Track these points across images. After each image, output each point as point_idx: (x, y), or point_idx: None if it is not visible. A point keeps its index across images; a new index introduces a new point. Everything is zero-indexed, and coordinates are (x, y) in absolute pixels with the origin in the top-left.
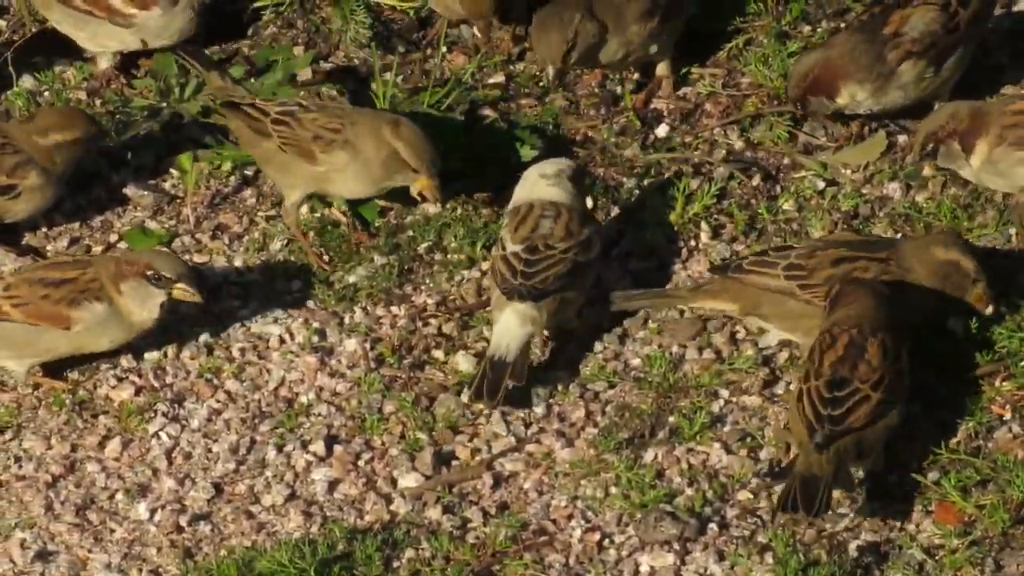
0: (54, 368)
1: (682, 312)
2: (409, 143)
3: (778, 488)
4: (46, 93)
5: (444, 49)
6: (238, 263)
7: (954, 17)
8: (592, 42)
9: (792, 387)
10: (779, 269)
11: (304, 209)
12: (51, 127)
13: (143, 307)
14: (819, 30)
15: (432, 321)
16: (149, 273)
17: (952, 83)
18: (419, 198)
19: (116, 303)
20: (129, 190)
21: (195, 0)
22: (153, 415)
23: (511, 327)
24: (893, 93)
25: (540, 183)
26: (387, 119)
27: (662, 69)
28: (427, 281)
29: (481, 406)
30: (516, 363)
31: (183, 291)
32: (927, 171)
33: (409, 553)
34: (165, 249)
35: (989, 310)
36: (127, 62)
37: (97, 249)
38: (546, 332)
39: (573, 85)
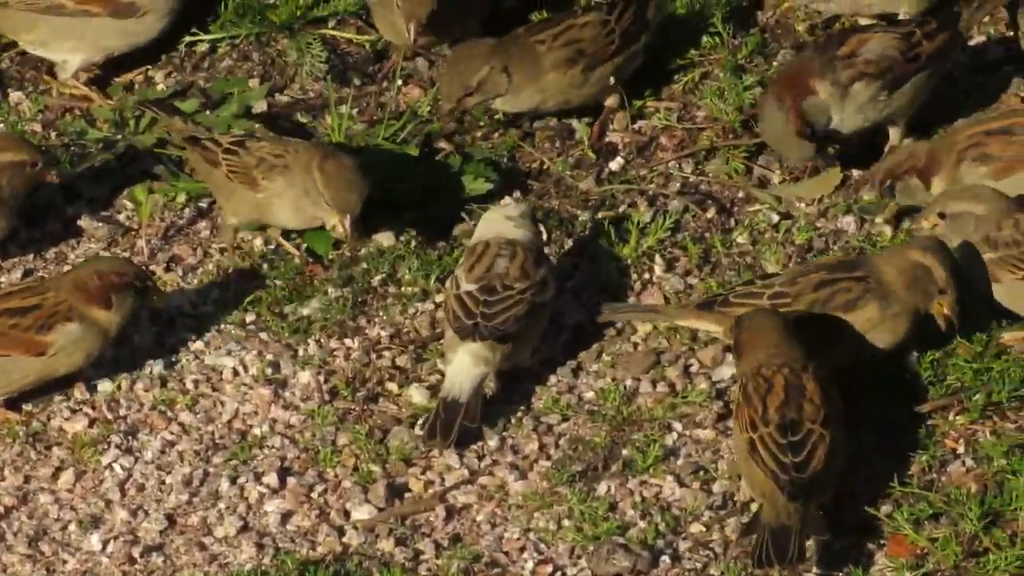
0: (13, 400)
1: (636, 345)
2: (327, 177)
3: (748, 538)
4: (0, 125)
5: (399, 82)
6: (192, 295)
7: (915, 47)
8: (499, 92)
9: (735, 437)
10: (765, 299)
11: (259, 241)
12: None
13: (122, 315)
14: (775, 64)
15: (386, 354)
16: (135, 282)
17: (909, 111)
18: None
19: (90, 318)
20: (83, 222)
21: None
22: (106, 447)
23: (465, 367)
24: (849, 111)
25: (503, 223)
26: (321, 151)
27: (612, 101)
28: (381, 314)
29: (433, 446)
30: (470, 403)
31: (158, 288)
32: (887, 209)
33: None
34: (105, 255)
35: (945, 326)
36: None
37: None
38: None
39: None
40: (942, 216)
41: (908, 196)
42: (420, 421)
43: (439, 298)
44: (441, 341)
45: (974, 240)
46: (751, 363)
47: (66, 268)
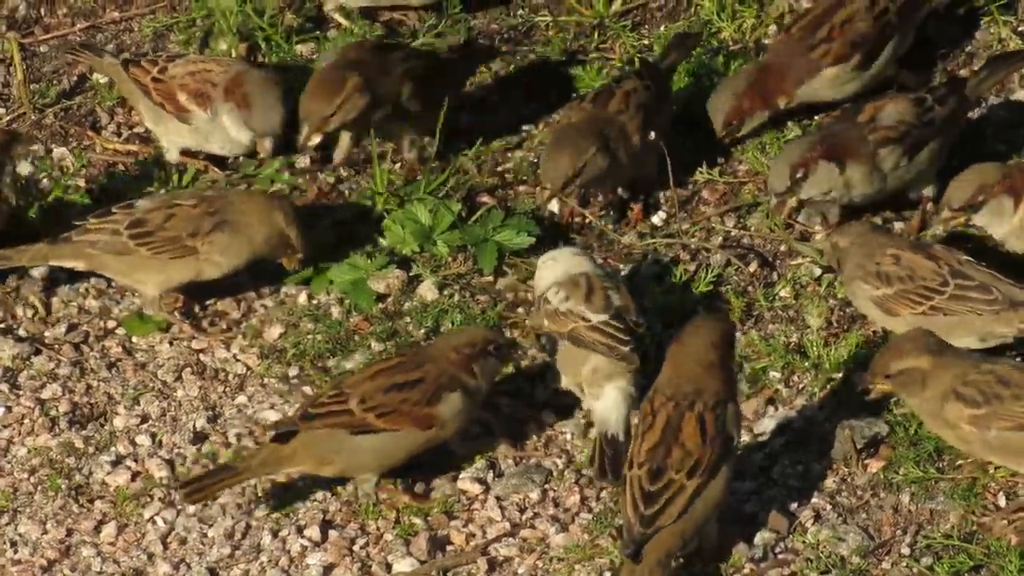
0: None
1: None
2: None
3: (772, 573)
4: (44, 180)
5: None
6: (235, 350)
7: (929, 111)
8: (598, 173)
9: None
10: None
11: (302, 297)
12: None
13: (487, 379)
14: (816, 119)
15: None
16: (490, 348)
17: (927, 176)
18: None
19: (465, 384)
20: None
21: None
22: (149, 500)
23: (616, 402)
24: (876, 177)
25: (577, 259)
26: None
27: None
28: None
29: (603, 483)
30: (627, 438)
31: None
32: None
33: None
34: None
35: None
36: None
37: (93, 335)
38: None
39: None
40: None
41: (991, 216)
42: (588, 462)
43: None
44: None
45: (854, 276)
46: (657, 382)
47: (111, 323)
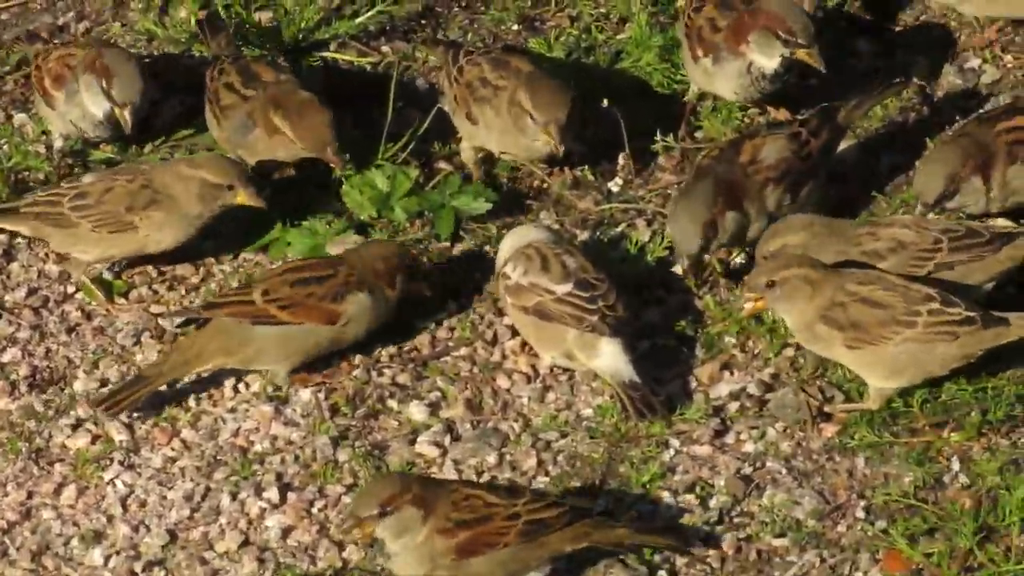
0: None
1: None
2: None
3: (727, 536)
4: (4, 145)
5: (399, 104)
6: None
7: (805, 145)
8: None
9: None
10: None
11: (263, 259)
12: None
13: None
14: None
15: (386, 371)
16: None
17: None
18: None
19: (379, 290)
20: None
21: None
22: (109, 463)
23: (617, 353)
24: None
25: (538, 231)
26: None
27: None
28: (382, 331)
29: (650, 422)
30: (644, 379)
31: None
32: None
33: None
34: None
35: None
36: None
37: (53, 299)
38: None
39: None
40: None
41: (968, 198)
42: (621, 409)
43: (439, 317)
44: (442, 359)
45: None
46: None
47: (70, 288)
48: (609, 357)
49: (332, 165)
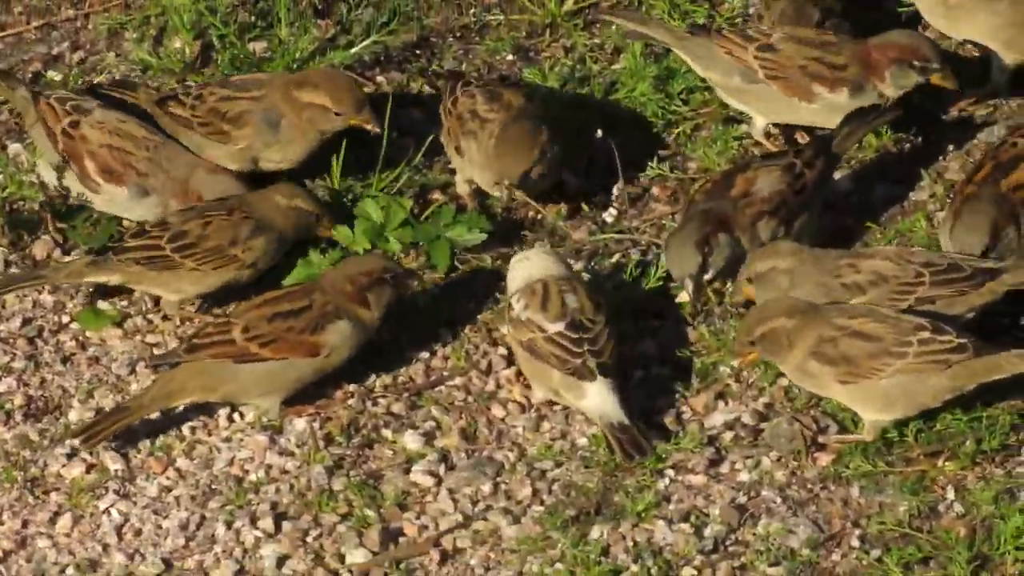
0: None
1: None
2: None
3: (722, 565)
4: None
5: (394, 134)
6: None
7: (800, 178)
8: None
9: None
10: None
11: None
12: None
13: (380, 310)
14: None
15: (381, 401)
16: (387, 276)
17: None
18: None
19: (355, 314)
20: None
21: None
22: (104, 492)
23: (603, 392)
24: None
25: (546, 260)
26: None
27: None
28: (377, 360)
29: (633, 465)
30: (631, 420)
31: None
32: None
33: None
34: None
35: None
36: None
37: (48, 329)
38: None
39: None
40: (749, 281)
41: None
42: (608, 450)
43: (435, 346)
44: (437, 389)
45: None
46: None
47: (64, 317)
48: (595, 399)
49: (367, 127)
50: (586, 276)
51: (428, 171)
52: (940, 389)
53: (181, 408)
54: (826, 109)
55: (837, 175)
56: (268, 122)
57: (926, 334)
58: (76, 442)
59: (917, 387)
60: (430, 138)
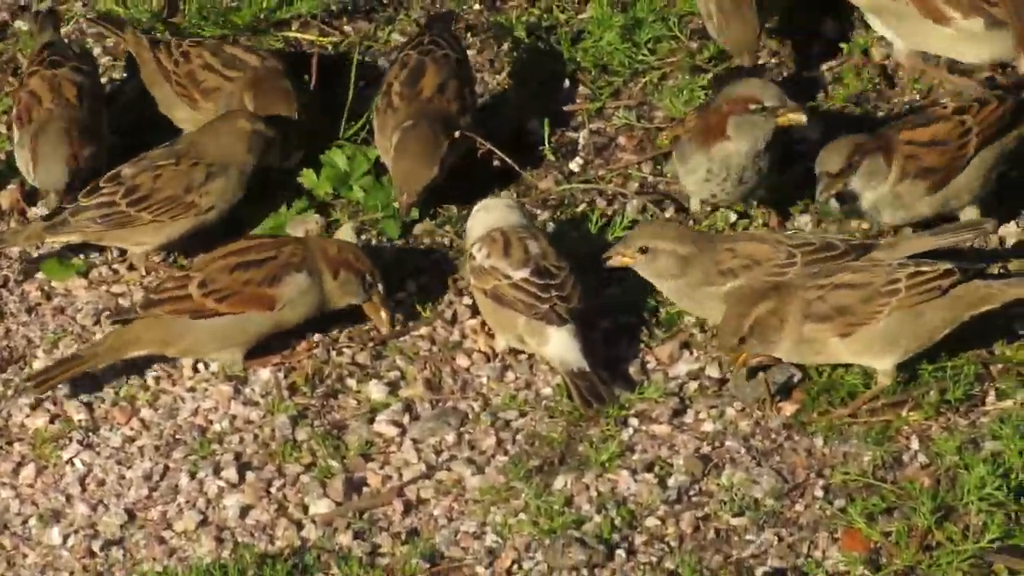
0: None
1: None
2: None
3: (686, 515)
4: None
5: (361, 83)
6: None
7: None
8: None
9: None
10: None
11: None
12: None
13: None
14: (734, 63)
15: (346, 351)
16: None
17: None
18: None
19: (319, 274)
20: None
21: None
22: (67, 442)
23: (566, 340)
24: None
25: (506, 211)
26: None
27: None
28: (341, 310)
29: (592, 412)
30: (592, 368)
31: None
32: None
33: None
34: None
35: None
36: None
37: (13, 279)
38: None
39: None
40: (643, 251)
41: (870, 178)
42: (567, 396)
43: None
44: (402, 339)
45: (682, 279)
46: None
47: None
48: (558, 345)
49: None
50: (552, 226)
51: None
52: (940, 320)
53: (144, 358)
54: (962, 37)
55: None
56: (228, 107)
57: (911, 268)
58: (28, 385)
59: (917, 321)
60: None
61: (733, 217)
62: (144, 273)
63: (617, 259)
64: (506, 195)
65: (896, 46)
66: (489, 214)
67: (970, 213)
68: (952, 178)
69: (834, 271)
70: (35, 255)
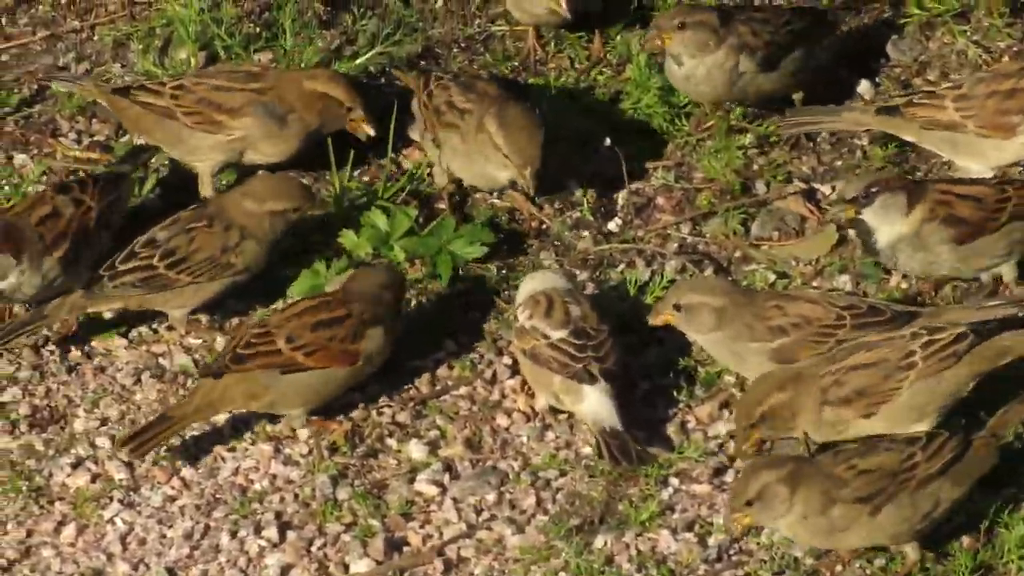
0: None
1: (633, 402)
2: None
3: (726, 574)
4: (5, 187)
5: (400, 143)
6: (196, 355)
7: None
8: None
9: None
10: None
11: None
12: None
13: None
14: (767, 124)
15: (386, 410)
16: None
17: None
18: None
19: (387, 321)
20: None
21: None
22: (108, 501)
23: (601, 399)
24: None
25: (550, 275)
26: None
27: None
28: (382, 370)
29: (623, 470)
30: (625, 427)
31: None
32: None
33: None
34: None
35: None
36: None
37: (53, 339)
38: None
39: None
40: (677, 308)
41: (886, 214)
42: (597, 457)
43: (438, 355)
44: (443, 398)
45: (720, 331)
46: None
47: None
48: (592, 403)
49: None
50: (591, 286)
51: (432, 181)
52: (962, 379)
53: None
54: None
55: None
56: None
57: (924, 337)
58: (124, 451)
59: (939, 387)
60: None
61: (772, 277)
62: (183, 333)
63: (657, 319)
64: (555, 266)
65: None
66: (535, 279)
67: (1008, 274)
68: (980, 236)
69: (848, 353)
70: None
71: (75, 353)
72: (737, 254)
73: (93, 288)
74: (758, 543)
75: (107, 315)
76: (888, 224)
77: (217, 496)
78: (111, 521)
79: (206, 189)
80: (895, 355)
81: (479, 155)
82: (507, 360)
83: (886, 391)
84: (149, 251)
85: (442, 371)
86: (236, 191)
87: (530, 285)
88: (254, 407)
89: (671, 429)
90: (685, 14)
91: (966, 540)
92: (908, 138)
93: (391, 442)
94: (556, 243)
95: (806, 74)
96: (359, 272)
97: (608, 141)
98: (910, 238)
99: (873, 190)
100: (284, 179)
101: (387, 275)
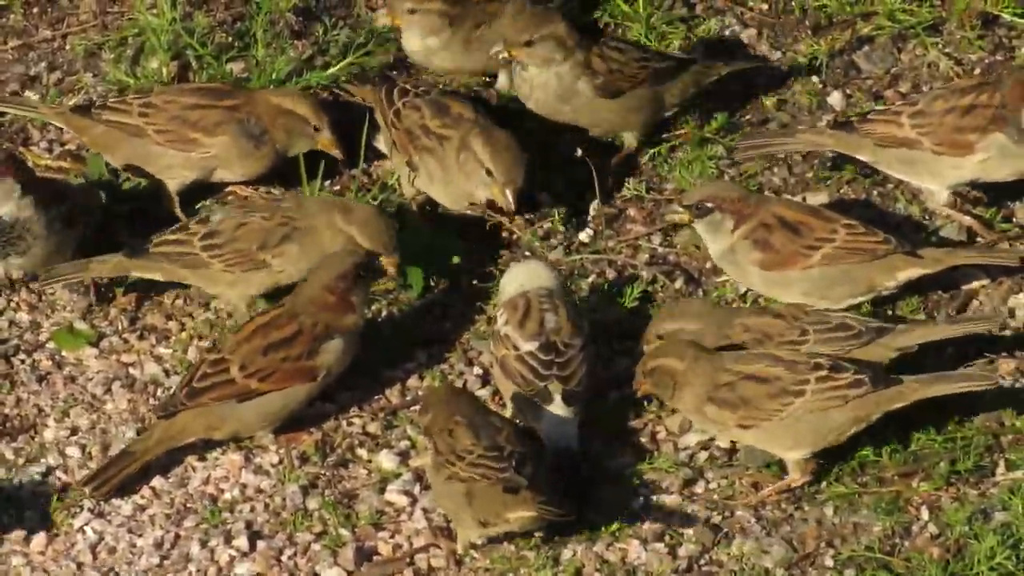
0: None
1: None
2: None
3: None
4: None
5: (370, 154)
6: (166, 364)
7: None
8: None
9: None
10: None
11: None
12: None
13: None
14: (739, 136)
15: (356, 420)
16: (360, 271)
17: None
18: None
19: (344, 327)
20: (59, 291)
21: None
22: (78, 510)
23: (563, 416)
24: None
25: (538, 271)
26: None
27: None
28: (352, 380)
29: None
30: (581, 449)
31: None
32: None
33: None
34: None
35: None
36: None
37: (23, 348)
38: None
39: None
40: (660, 338)
41: (714, 231)
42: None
43: (410, 365)
44: (413, 408)
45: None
46: None
47: (42, 336)
48: (552, 420)
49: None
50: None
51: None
52: (846, 420)
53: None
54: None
55: None
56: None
57: (824, 371)
58: (87, 491)
59: (821, 422)
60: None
61: (742, 289)
62: (153, 342)
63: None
64: (539, 260)
65: (937, 196)
66: (521, 272)
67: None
68: (787, 267)
69: (754, 359)
70: (45, 324)
71: (45, 362)
72: (708, 264)
73: (138, 252)
74: (728, 554)
75: (79, 325)
76: (713, 242)
77: (187, 505)
78: (81, 530)
79: (172, 206)
80: (790, 378)
81: (459, 174)
82: (478, 370)
83: (769, 410)
84: (196, 227)
85: (413, 381)
86: (337, 202)
87: (515, 283)
88: (217, 436)
89: (642, 439)
90: (533, 29)
91: (936, 551)
92: (863, 158)
93: (361, 452)
94: (527, 254)
95: (647, 115)
96: (307, 276)
97: (579, 152)
98: (730, 255)
99: (708, 205)
100: (385, 222)
101: (332, 270)
